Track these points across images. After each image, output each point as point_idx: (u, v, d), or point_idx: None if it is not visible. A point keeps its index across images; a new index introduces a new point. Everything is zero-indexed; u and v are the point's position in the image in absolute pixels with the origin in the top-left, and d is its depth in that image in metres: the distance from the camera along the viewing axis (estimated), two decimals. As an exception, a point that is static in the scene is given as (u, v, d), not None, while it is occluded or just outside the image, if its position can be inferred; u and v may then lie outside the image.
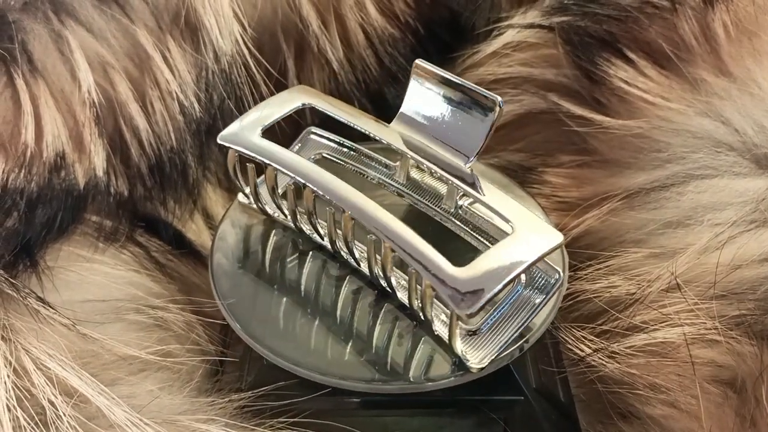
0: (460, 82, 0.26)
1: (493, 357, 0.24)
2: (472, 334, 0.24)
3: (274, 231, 0.28)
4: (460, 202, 0.28)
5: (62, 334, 0.25)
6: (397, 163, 0.29)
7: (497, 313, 0.25)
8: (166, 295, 0.30)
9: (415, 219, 0.28)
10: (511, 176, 0.31)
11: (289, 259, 0.27)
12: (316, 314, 0.25)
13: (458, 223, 0.28)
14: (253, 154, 0.27)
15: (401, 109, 0.27)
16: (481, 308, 0.22)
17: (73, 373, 0.24)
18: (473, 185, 0.25)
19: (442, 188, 0.28)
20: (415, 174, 0.29)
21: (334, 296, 0.26)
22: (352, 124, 0.28)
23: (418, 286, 0.23)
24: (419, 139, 0.27)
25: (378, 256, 0.24)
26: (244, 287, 0.26)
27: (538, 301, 0.25)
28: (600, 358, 0.27)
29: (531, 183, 0.32)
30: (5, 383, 0.23)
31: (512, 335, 0.24)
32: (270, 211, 0.28)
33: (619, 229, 0.30)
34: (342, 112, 0.28)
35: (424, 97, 0.27)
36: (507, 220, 0.24)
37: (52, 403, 0.23)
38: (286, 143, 0.29)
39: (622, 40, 0.32)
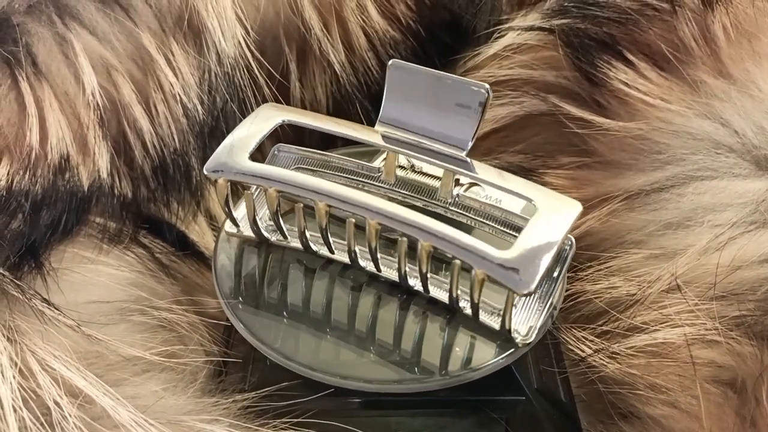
0: (441, 75, 0.26)
1: (536, 330, 0.24)
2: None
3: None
4: (456, 192, 0.27)
5: (67, 335, 0.25)
6: (381, 165, 0.28)
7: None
8: (170, 296, 0.30)
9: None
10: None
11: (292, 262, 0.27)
12: (327, 315, 0.26)
13: (460, 211, 0.28)
14: (253, 180, 0.26)
15: (382, 112, 0.26)
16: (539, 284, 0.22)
17: (78, 373, 0.24)
18: (476, 172, 0.26)
19: (433, 182, 0.28)
20: (402, 173, 0.28)
21: (346, 297, 0.26)
22: (335, 132, 0.27)
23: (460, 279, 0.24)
24: (407, 137, 0.26)
25: (405, 258, 0.25)
26: (248, 288, 0.26)
27: (555, 274, 0.26)
28: (601, 359, 0.27)
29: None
30: (11, 384, 0.23)
31: (543, 307, 0.25)
32: (269, 237, 0.27)
33: (619, 231, 0.30)
34: (322, 123, 0.27)
35: (405, 96, 0.26)
36: (529, 199, 0.24)
37: (57, 403, 0.23)
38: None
39: (622, 42, 0.32)
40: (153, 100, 0.31)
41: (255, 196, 0.27)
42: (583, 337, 0.28)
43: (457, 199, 0.28)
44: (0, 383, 0.23)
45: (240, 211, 0.28)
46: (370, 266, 0.26)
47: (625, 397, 0.27)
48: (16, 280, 0.26)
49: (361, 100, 0.36)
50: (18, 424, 0.22)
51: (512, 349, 0.24)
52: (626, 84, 0.31)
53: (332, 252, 0.26)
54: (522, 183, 0.25)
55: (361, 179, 0.28)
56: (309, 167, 0.29)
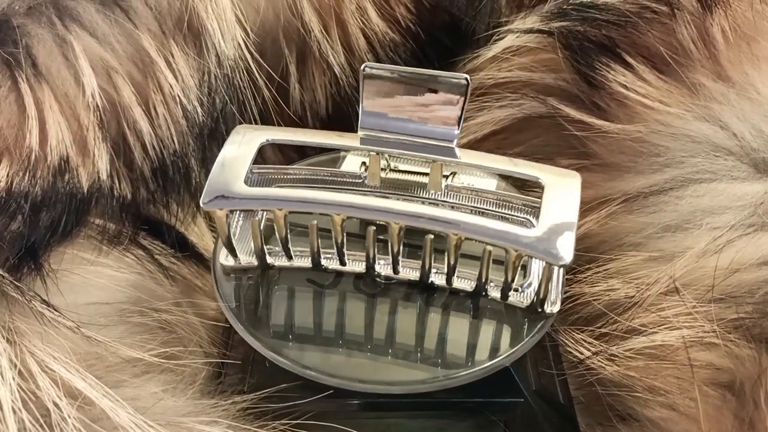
0: (418, 72, 0.25)
1: (559, 299, 0.26)
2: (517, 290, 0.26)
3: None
4: (445, 183, 0.28)
5: (67, 336, 0.25)
6: (362, 170, 0.28)
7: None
8: (169, 297, 0.30)
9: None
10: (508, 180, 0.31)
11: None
12: (331, 317, 0.26)
13: (454, 201, 0.28)
14: (262, 204, 0.25)
15: (361, 117, 0.26)
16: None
17: (77, 375, 0.24)
18: (470, 160, 0.26)
19: (419, 178, 0.28)
20: (385, 175, 0.28)
21: (358, 302, 0.26)
22: (319, 144, 0.27)
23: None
24: (391, 137, 0.26)
25: (431, 255, 0.25)
26: (247, 290, 0.27)
27: None
28: (599, 361, 0.27)
29: (530, 187, 0.32)
30: (10, 385, 0.23)
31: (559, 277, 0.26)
32: (273, 262, 0.27)
33: (618, 233, 0.30)
34: (304, 137, 0.27)
35: (383, 98, 0.26)
36: (535, 177, 0.26)
37: (57, 405, 0.23)
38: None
39: (621, 44, 0.32)
40: (153, 102, 0.31)
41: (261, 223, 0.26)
42: (581, 339, 0.28)
43: (447, 190, 0.28)
44: (0, 384, 0.23)
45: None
46: (386, 270, 0.26)
47: (623, 399, 0.27)
48: (15, 282, 0.26)
49: (361, 102, 0.36)
50: (17, 426, 0.22)
51: (542, 321, 0.25)
52: (625, 86, 0.31)
53: (344, 264, 0.26)
54: (518, 163, 0.26)
55: (347, 187, 0.28)
56: (289, 184, 0.28)
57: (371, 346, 0.25)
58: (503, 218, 0.27)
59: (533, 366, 0.27)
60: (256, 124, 0.34)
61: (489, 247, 0.24)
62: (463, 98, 0.25)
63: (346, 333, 0.25)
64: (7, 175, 0.28)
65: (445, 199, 0.28)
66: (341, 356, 0.25)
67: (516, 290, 0.26)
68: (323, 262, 0.26)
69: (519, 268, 0.24)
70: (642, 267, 0.28)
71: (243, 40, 0.32)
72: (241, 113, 0.33)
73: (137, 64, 0.31)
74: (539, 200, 0.25)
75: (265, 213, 0.27)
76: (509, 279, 0.25)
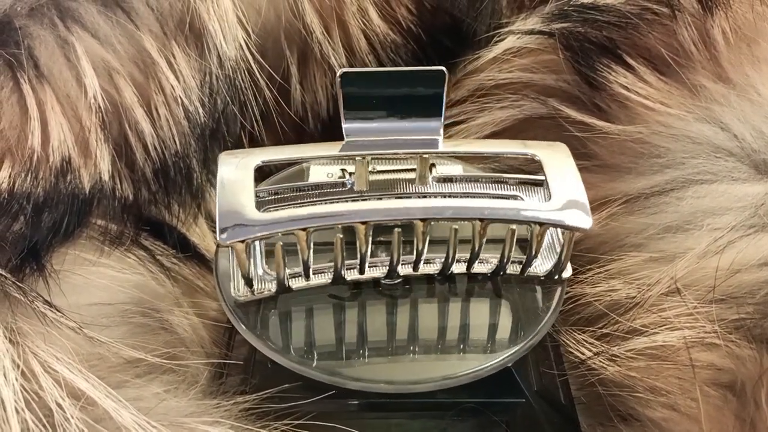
0: (394, 71, 0.26)
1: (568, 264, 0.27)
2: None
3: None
4: (434, 175, 0.28)
5: (69, 337, 0.25)
6: (347, 177, 0.28)
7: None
8: (171, 298, 0.30)
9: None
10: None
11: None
12: (353, 323, 0.26)
13: (448, 191, 0.28)
14: (288, 226, 0.24)
15: (344, 125, 0.26)
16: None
17: (80, 375, 0.24)
18: (460, 148, 0.27)
19: (405, 175, 0.28)
20: (374, 176, 0.28)
21: (370, 303, 0.26)
22: (308, 158, 0.27)
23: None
24: (377, 139, 0.26)
25: (454, 247, 0.26)
26: (266, 311, 0.26)
27: None
28: (600, 361, 0.27)
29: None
30: (13, 386, 0.23)
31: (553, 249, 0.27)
32: (293, 285, 0.26)
33: (619, 234, 0.30)
34: (293, 153, 0.27)
35: (364, 102, 0.26)
36: (530, 154, 0.26)
37: (59, 405, 0.23)
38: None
39: (621, 46, 0.32)
40: (154, 103, 0.31)
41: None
42: (582, 339, 0.28)
43: (438, 182, 0.28)
44: (3, 385, 0.23)
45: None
46: (406, 270, 0.26)
47: (624, 399, 0.27)
48: (18, 282, 0.26)
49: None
50: (21, 426, 0.22)
51: (560, 287, 0.27)
52: (626, 88, 0.31)
53: (363, 273, 0.26)
54: (506, 143, 0.27)
55: (339, 197, 0.28)
56: (288, 204, 0.27)
57: (395, 347, 0.25)
58: (508, 197, 0.28)
59: (534, 366, 0.27)
60: (257, 126, 0.34)
61: (513, 227, 0.25)
62: (441, 89, 0.25)
63: (370, 337, 0.25)
64: (10, 176, 0.28)
65: (439, 190, 0.28)
66: (368, 360, 0.25)
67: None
68: (347, 275, 0.26)
69: (542, 240, 0.26)
70: (643, 268, 0.28)
71: (244, 41, 0.32)
72: (242, 114, 0.33)
73: (139, 65, 0.31)
74: (530, 175, 0.27)
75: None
76: (534, 252, 0.26)
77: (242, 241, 0.23)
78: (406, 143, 0.26)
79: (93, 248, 0.30)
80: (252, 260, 0.25)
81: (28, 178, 0.28)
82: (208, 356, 0.29)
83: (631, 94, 0.31)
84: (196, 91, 0.31)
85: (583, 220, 0.25)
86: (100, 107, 0.29)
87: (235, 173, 0.25)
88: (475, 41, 0.37)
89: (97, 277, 0.29)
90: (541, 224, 0.25)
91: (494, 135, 0.35)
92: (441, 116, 0.26)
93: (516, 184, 0.28)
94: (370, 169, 0.27)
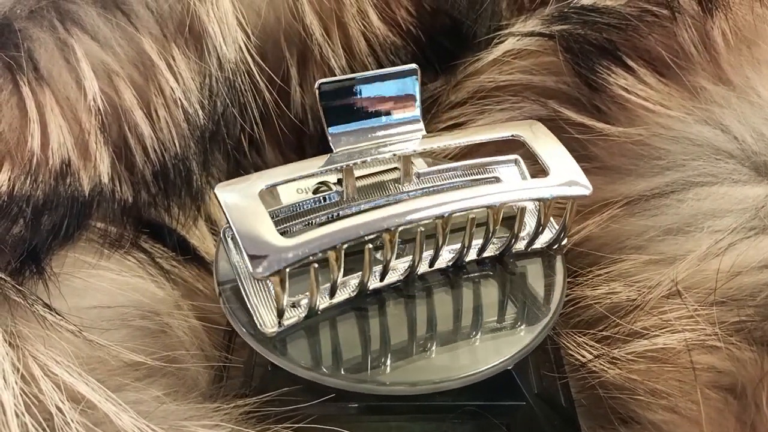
0: (369, 75, 0.26)
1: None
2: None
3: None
4: (416, 172, 0.29)
5: (69, 340, 0.25)
6: (337, 188, 0.28)
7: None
8: (171, 301, 0.30)
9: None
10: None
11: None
12: (376, 328, 0.25)
13: (437, 184, 0.29)
14: (324, 245, 0.23)
15: (330, 135, 0.26)
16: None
17: (80, 379, 0.24)
18: (446, 140, 0.27)
19: (388, 175, 0.28)
20: (361, 182, 0.28)
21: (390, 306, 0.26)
22: (306, 176, 0.26)
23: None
24: (365, 145, 0.26)
25: (470, 237, 0.26)
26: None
27: None
28: (601, 364, 0.27)
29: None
30: (13, 389, 0.23)
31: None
32: (320, 305, 0.25)
33: (619, 236, 0.30)
34: (292, 172, 0.26)
35: (346, 110, 0.26)
36: (516, 135, 0.27)
37: (59, 409, 0.23)
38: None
39: (621, 48, 0.32)
40: (154, 105, 0.31)
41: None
42: (583, 342, 0.28)
43: (422, 179, 0.29)
44: (2, 389, 0.23)
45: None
46: (423, 267, 0.26)
47: (625, 402, 0.27)
48: (17, 286, 0.26)
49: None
50: (20, 430, 0.22)
51: (560, 257, 0.28)
52: (626, 90, 0.31)
53: (383, 280, 0.26)
54: (487, 129, 0.28)
55: (332, 210, 0.28)
56: (289, 225, 0.27)
57: (416, 348, 0.25)
58: (493, 180, 0.29)
59: (535, 369, 0.27)
60: (257, 128, 0.34)
61: (522, 204, 0.26)
62: (415, 87, 0.26)
63: (391, 340, 0.25)
64: (9, 179, 0.28)
65: (428, 184, 0.29)
66: (393, 364, 0.24)
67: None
68: (371, 283, 0.26)
69: (550, 213, 0.27)
70: (643, 270, 0.28)
71: (244, 43, 0.32)
72: (242, 116, 0.33)
73: (138, 68, 0.31)
74: (506, 156, 0.29)
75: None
76: (543, 227, 0.27)
77: (278, 272, 0.23)
78: (391, 145, 0.26)
79: (93, 251, 0.30)
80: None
81: (28, 181, 0.28)
82: (208, 359, 0.29)
83: (631, 95, 0.31)
84: (196, 94, 0.31)
85: (584, 187, 0.26)
86: (99, 109, 0.29)
87: (243, 202, 0.24)
88: (475, 43, 0.37)
89: (96, 280, 0.29)
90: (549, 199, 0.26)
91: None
92: (419, 113, 0.27)
93: (492, 167, 0.30)
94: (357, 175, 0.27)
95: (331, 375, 0.24)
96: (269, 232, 0.23)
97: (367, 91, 0.26)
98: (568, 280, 0.28)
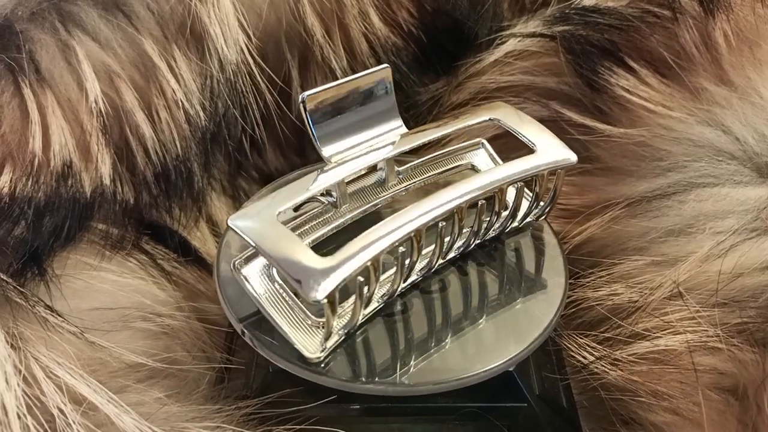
0: (347, 80, 0.26)
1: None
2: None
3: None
4: (399, 170, 0.29)
5: (70, 342, 0.25)
6: (334, 196, 0.28)
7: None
8: (172, 302, 0.30)
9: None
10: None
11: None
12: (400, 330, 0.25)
13: (420, 178, 0.29)
14: (374, 255, 0.23)
15: (321, 146, 0.26)
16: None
17: (81, 380, 0.24)
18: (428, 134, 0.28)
19: (373, 177, 0.29)
20: (351, 188, 0.28)
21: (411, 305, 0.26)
22: (311, 195, 0.26)
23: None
24: (353, 151, 0.27)
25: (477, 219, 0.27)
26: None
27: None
28: (602, 366, 0.27)
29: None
30: (15, 391, 0.23)
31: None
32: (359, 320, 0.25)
33: (621, 237, 0.30)
34: (302, 192, 0.26)
35: (332, 119, 0.26)
36: (493, 118, 0.28)
37: (61, 410, 0.23)
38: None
39: (623, 48, 0.32)
40: (155, 107, 0.31)
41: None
42: (584, 343, 0.28)
43: (403, 176, 0.29)
44: (4, 390, 0.23)
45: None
46: (437, 261, 0.27)
47: (626, 403, 0.27)
48: (19, 287, 0.26)
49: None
50: (22, 431, 0.22)
51: (562, 258, 0.28)
52: (628, 90, 0.31)
53: (406, 281, 0.26)
54: (462, 117, 0.28)
55: (329, 218, 0.28)
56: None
57: (417, 349, 0.25)
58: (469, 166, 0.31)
59: (536, 371, 0.27)
60: (258, 129, 0.34)
61: (520, 183, 0.27)
62: (390, 86, 0.27)
63: (392, 342, 0.25)
64: (11, 181, 0.28)
65: (411, 180, 0.29)
66: (419, 364, 0.24)
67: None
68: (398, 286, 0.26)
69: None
70: (645, 271, 0.28)
71: (245, 44, 0.32)
72: (243, 117, 0.33)
73: (140, 69, 0.31)
74: (471, 141, 0.30)
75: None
76: (540, 198, 0.28)
77: (332, 293, 0.22)
78: (378, 148, 0.27)
79: (94, 252, 0.30)
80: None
81: (30, 183, 0.28)
82: (210, 361, 0.29)
83: (633, 96, 0.31)
84: (197, 95, 0.31)
85: (571, 155, 0.27)
86: (101, 111, 0.29)
87: (268, 229, 0.24)
88: (477, 44, 0.37)
89: (98, 282, 0.29)
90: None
91: (496, 138, 0.35)
92: (397, 112, 0.28)
93: (462, 153, 0.31)
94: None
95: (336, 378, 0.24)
96: (308, 255, 0.22)
97: (346, 96, 0.26)
98: (570, 281, 0.28)
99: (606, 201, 0.30)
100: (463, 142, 0.31)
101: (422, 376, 0.24)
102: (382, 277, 0.25)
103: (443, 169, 0.30)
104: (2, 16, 0.29)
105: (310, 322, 0.24)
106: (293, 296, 0.25)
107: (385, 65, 0.27)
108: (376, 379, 0.24)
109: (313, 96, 0.26)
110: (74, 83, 0.29)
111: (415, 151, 0.29)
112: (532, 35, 0.35)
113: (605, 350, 0.27)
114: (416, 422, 0.26)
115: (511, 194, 0.28)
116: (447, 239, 0.26)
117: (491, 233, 0.28)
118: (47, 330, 0.25)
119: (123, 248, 0.30)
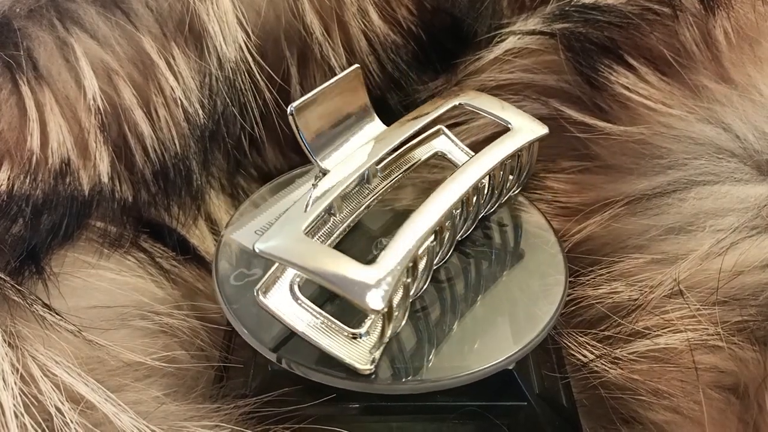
0: (326, 85, 0.27)
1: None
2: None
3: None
4: (377, 168, 0.29)
5: (68, 340, 0.25)
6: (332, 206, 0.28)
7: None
8: (171, 301, 0.30)
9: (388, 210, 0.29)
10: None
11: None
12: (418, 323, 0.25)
13: (397, 177, 0.30)
14: (415, 253, 0.23)
15: (313, 154, 0.27)
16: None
17: (79, 379, 0.24)
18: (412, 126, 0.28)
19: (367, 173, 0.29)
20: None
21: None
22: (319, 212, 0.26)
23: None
24: (347, 156, 0.27)
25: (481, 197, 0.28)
26: (249, 292, 0.26)
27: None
28: (603, 364, 0.27)
29: (533, 189, 0.32)
30: (12, 390, 0.23)
31: None
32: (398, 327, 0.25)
33: (621, 235, 0.30)
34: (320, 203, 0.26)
35: (318, 125, 0.27)
36: (461, 102, 0.29)
37: (59, 409, 0.23)
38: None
39: (623, 46, 0.32)
40: (154, 104, 0.31)
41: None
42: (584, 342, 0.28)
43: (384, 171, 0.29)
44: (2, 389, 0.23)
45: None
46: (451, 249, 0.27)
47: (627, 402, 0.27)
48: (17, 285, 0.26)
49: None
50: (20, 430, 0.22)
51: (562, 256, 0.28)
52: (627, 88, 0.31)
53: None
54: (435, 107, 0.29)
55: (333, 226, 0.28)
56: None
57: (436, 343, 0.25)
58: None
59: (536, 369, 0.27)
60: (257, 127, 0.34)
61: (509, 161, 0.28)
62: (361, 86, 0.28)
63: (433, 331, 0.25)
64: (8, 178, 0.28)
65: (393, 177, 0.29)
66: (435, 357, 0.24)
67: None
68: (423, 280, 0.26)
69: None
70: (645, 269, 0.28)
71: (244, 42, 0.32)
72: (242, 115, 0.33)
73: (138, 67, 0.31)
74: (432, 129, 0.31)
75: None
76: (529, 169, 0.29)
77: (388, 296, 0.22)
78: (366, 151, 0.27)
79: (92, 250, 0.30)
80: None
81: (27, 180, 0.28)
82: (208, 359, 0.29)
83: (633, 94, 0.31)
84: (196, 93, 0.31)
85: (543, 126, 0.28)
86: (99, 109, 0.29)
87: (304, 248, 0.23)
88: (476, 42, 0.37)
89: (96, 280, 0.29)
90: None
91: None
92: (372, 110, 0.28)
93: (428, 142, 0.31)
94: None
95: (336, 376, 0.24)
96: (355, 266, 0.22)
97: (326, 101, 0.27)
98: (570, 279, 0.28)
99: (606, 199, 0.30)
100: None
101: (421, 374, 0.24)
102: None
103: (418, 160, 0.30)
104: (0, 14, 0.29)
105: (346, 334, 0.24)
106: (321, 311, 0.24)
107: (356, 65, 0.27)
108: (377, 377, 0.24)
109: (300, 107, 0.26)
110: (72, 81, 0.29)
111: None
112: (532, 33, 0.34)
113: (605, 348, 0.27)
114: (415, 421, 0.26)
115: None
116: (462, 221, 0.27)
117: (482, 213, 0.29)
118: (45, 328, 0.25)
119: (121, 246, 0.30)
